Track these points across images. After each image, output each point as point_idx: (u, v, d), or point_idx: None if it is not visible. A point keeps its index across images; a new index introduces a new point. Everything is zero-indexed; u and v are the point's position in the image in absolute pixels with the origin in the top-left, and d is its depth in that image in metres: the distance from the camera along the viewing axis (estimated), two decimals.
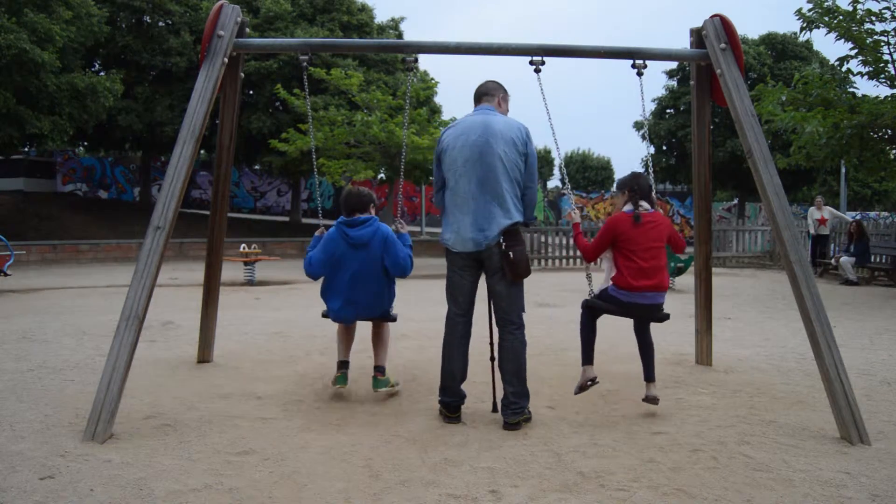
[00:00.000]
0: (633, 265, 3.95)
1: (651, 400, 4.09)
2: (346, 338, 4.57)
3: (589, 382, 4.13)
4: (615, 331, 6.73)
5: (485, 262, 3.87)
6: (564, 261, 16.53)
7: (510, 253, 3.76)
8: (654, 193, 4.20)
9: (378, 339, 4.53)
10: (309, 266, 4.36)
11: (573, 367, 5.17)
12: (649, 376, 4.14)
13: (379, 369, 4.42)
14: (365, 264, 4.24)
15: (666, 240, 4.09)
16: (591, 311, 4.19)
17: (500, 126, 3.86)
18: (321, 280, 4.43)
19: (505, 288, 3.86)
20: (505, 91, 4.19)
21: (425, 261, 16.89)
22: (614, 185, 40.42)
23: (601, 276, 4.31)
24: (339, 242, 4.28)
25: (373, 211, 4.42)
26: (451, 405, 3.97)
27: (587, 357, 4.17)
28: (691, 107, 5.30)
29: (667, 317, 4.16)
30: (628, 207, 4.10)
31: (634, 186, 4.11)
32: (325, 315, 4.50)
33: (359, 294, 4.28)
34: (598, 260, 4.22)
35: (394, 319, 4.48)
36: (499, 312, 3.94)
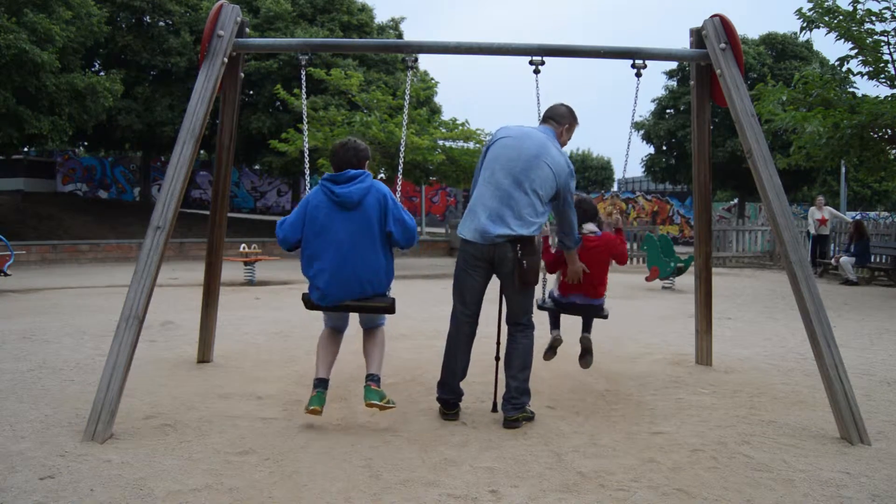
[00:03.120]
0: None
1: (583, 340, 4.70)
2: (331, 347, 3.79)
3: (554, 342, 4.73)
4: (619, 331, 6.73)
5: (496, 264, 3.90)
6: None
7: (524, 262, 3.85)
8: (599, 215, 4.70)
9: (371, 344, 3.81)
10: (280, 230, 3.66)
11: (574, 367, 5.17)
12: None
13: (372, 378, 3.67)
14: (357, 229, 3.54)
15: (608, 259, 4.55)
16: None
17: (554, 154, 3.96)
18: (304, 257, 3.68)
19: (515, 292, 3.96)
20: (573, 120, 4.24)
21: (425, 261, 16.89)
22: (615, 185, 40.46)
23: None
24: (322, 204, 3.56)
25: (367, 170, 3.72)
26: (448, 402, 4.01)
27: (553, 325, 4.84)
28: (691, 107, 5.30)
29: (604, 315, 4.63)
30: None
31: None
32: (306, 300, 3.69)
33: (350, 267, 3.52)
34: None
35: (391, 306, 3.67)
36: (509, 314, 4.05)
